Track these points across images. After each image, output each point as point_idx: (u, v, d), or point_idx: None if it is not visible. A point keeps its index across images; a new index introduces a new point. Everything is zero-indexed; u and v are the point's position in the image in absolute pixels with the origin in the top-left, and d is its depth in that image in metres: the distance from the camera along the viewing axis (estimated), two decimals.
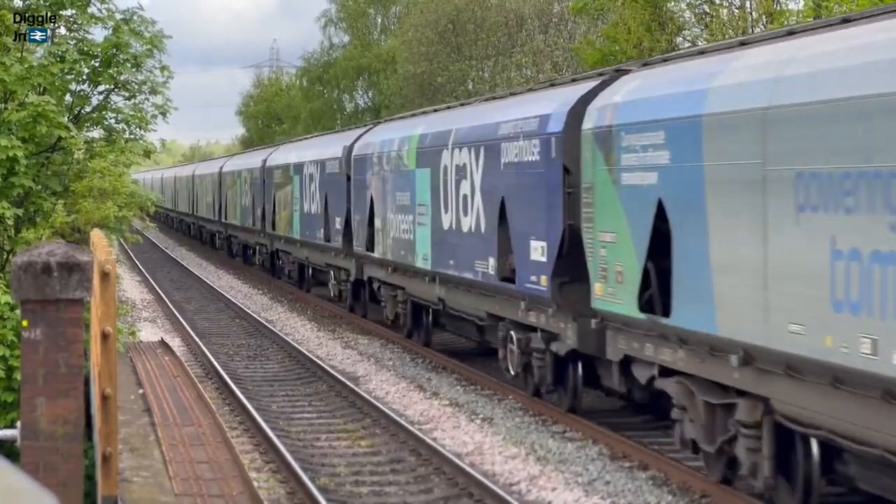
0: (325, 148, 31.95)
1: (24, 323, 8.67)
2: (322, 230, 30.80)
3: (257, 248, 42.85)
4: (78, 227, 19.69)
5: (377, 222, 25.31)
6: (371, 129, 28.82)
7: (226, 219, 49.27)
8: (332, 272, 30.72)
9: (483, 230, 18.93)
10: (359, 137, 28.15)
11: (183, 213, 68.90)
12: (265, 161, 40.25)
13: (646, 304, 13.60)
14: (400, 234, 23.60)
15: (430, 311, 23.13)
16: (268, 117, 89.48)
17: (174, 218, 75.76)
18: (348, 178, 28.02)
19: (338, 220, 29.25)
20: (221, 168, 51.52)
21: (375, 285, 26.45)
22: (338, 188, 29.17)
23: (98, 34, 20.58)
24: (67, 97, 20.54)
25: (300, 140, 42.87)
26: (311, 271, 34.82)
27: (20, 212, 18.55)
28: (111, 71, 19.93)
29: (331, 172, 29.99)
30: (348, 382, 20.17)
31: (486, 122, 19.30)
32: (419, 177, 22.19)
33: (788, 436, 11.54)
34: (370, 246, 25.95)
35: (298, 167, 34.21)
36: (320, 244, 31.17)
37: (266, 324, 28.81)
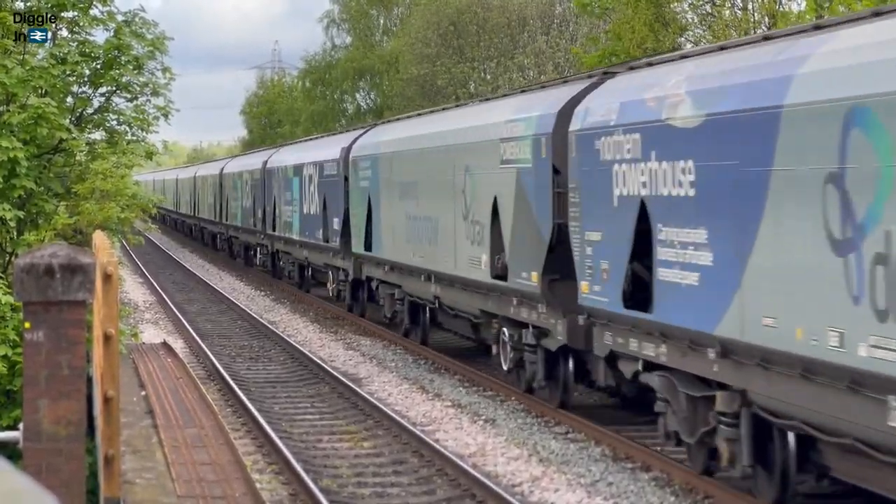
0: (251, 159, 47.21)
1: (27, 325, 8.66)
2: (251, 219, 44.38)
3: (218, 235, 56.66)
4: (80, 228, 19.65)
5: (277, 210, 38.53)
6: (278, 150, 42.67)
7: (198, 213, 63.28)
8: (258, 249, 44.24)
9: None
10: (270, 156, 41.81)
11: (170, 210, 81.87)
12: (222, 169, 54.18)
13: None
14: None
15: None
16: (270, 119, 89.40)
17: (164, 214, 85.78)
18: (263, 183, 41.25)
19: (259, 211, 42.38)
20: (195, 174, 65.69)
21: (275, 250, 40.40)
22: (258, 191, 42.25)
23: (100, 36, 20.55)
24: (69, 99, 20.53)
25: (246, 154, 58.81)
26: (243, 248, 48.81)
27: (22, 214, 18.54)
28: (113, 73, 19.90)
29: (254, 179, 43.70)
30: (350, 384, 20.16)
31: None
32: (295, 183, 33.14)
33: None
34: (273, 226, 39.20)
35: (239, 175, 47.55)
36: (250, 228, 44.93)
37: (268, 325, 28.81)
